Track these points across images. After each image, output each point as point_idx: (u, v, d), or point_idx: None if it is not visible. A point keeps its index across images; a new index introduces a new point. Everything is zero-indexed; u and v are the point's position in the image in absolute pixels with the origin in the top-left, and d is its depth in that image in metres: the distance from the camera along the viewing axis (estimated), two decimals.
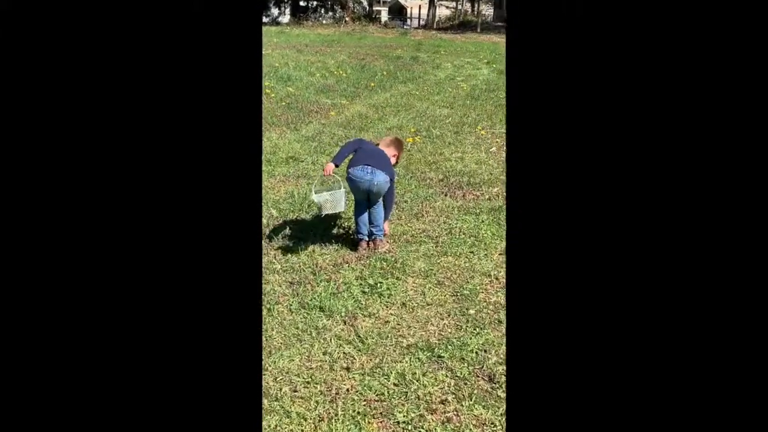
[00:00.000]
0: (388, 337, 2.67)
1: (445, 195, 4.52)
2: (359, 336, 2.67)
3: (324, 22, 29.89)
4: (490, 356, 2.50)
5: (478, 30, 24.29)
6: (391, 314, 2.88)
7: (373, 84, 9.49)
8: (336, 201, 3.46)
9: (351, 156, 3.54)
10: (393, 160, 3.69)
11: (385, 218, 3.60)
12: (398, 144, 3.83)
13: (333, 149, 5.50)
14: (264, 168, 5.17)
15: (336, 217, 4.00)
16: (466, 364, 2.45)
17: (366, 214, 3.53)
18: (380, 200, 3.50)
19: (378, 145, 3.74)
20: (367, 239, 3.55)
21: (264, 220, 3.92)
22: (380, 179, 3.38)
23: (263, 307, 2.90)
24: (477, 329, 2.71)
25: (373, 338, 2.66)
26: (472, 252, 3.52)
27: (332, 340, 2.64)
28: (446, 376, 2.38)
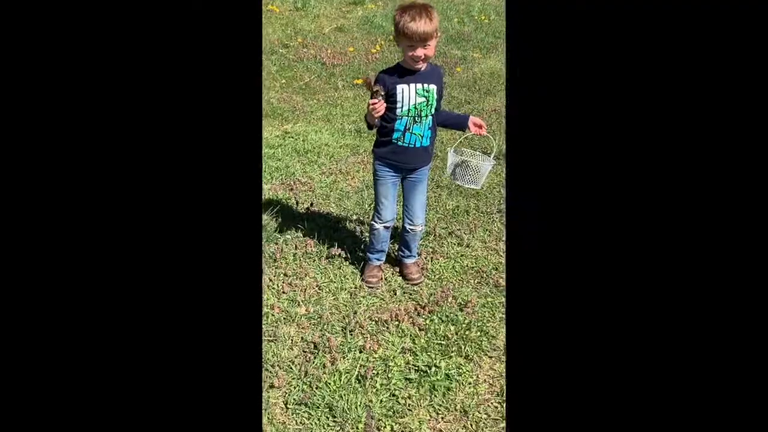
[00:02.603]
0: None
1: None
2: None
3: None
4: None
5: None
6: None
7: None
8: (477, 171, 2.35)
9: None
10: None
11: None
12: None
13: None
14: (348, 141, 4.15)
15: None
16: None
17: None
18: None
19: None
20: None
21: (306, 226, 2.92)
22: None
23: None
24: None
25: None
26: None
27: None
28: None
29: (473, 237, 2.90)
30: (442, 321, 2.28)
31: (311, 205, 3.17)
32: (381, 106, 2.18)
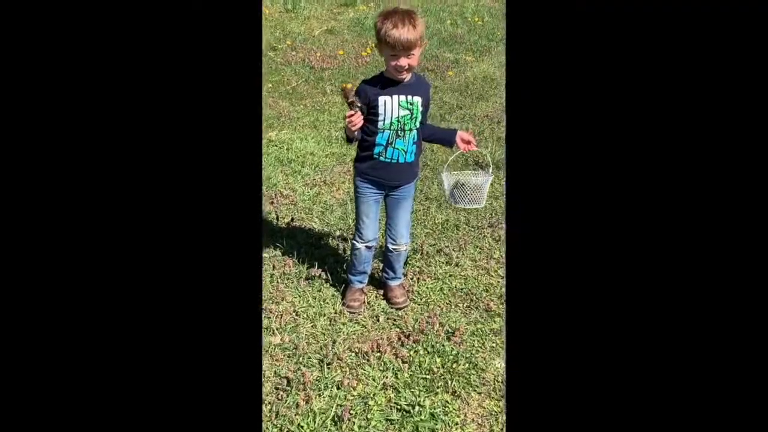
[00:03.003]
0: None
1: None
2: None
3: None
4: None
5: None
6: None
7: None
8: (477, 188, 2.21)
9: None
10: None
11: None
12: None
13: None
14: (335, 149, 3.97)
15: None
16: None
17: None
18: None
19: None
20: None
21: (280, 249, 2.75)
22: None
23: None
24: None
25: None
26: None
27: None
28: None
29: (463, 254, 2.72)
30: (428, 352, 2.10)
31: (292, 220, 3.00)
32: (357, 119, 2.01)
